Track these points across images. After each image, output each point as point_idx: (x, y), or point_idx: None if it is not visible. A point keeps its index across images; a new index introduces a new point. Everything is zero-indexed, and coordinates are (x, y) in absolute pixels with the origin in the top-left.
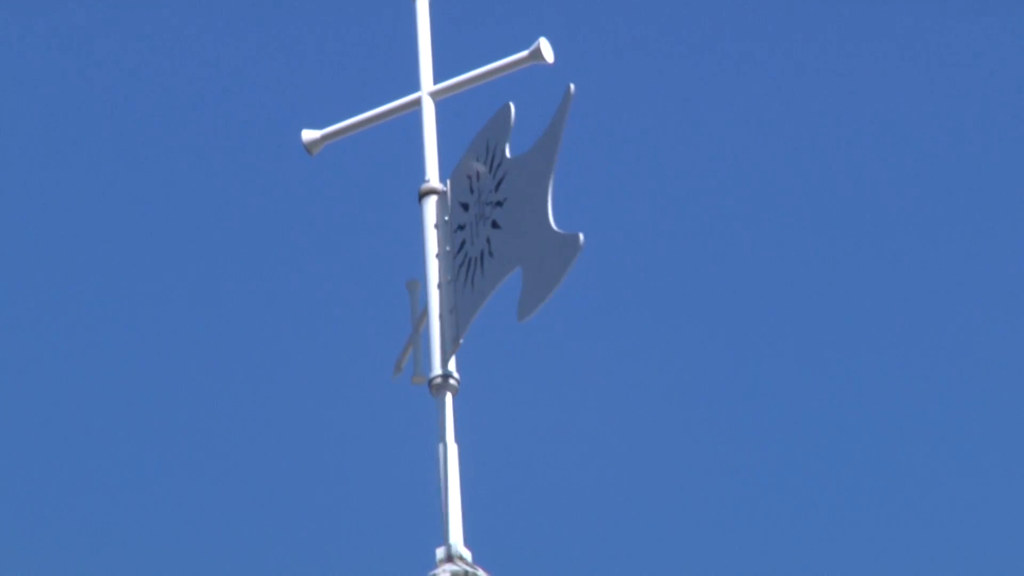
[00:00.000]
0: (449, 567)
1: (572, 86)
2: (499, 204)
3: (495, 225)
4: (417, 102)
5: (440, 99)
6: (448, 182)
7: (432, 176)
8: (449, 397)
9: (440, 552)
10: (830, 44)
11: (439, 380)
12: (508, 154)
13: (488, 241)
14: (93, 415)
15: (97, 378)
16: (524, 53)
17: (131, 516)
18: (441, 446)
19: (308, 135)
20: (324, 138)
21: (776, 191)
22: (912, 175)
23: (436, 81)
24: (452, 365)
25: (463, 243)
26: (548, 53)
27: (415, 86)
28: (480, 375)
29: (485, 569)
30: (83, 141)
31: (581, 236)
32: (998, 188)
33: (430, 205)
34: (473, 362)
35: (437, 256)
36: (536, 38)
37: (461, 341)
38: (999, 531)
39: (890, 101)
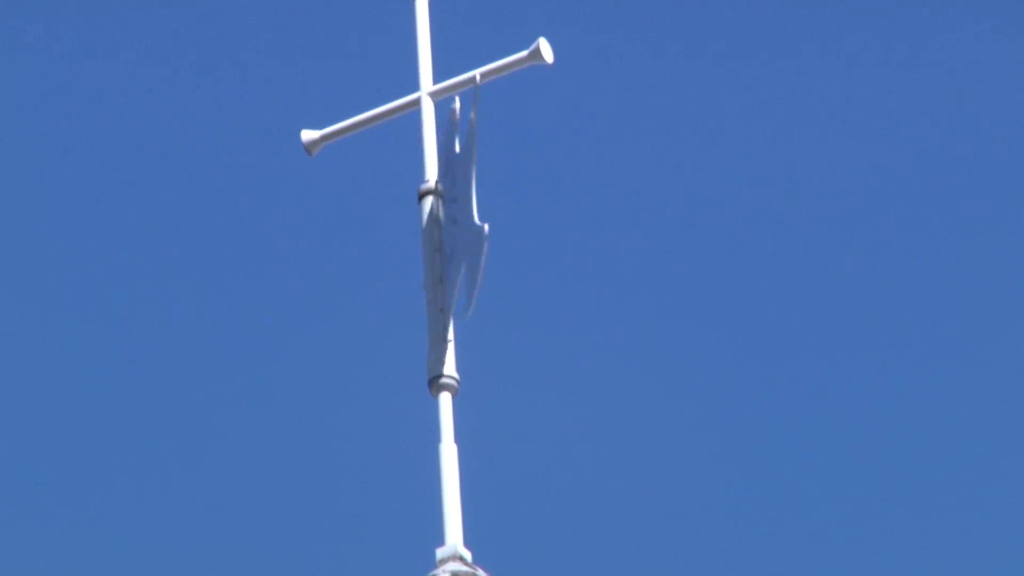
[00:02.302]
0: (449, 567)
1: (478, 76)
2: (454, 200)
3: (452, 221)
4: (416, 102)
5: (440, 99)
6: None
7: (431, 176)
8: (449, 397)
9: (440, 552)
10: (831, 44)
11: (439, 380)
12: (457, 149)
13: (453, 238)
14: (93, 415)
15: (98, 378)
16: (524, 53)
17: (131, 516)
18: (441, 446)
19: (307, 135)
20: (323, 138)
21: (776, 191)
22: (912, 175)
23: (436, 81)
24: (452, 365)
25: (450, 238)
26: (548, 53)
27: (415, 86)
28: (480, 375)
29: (485, 569)
30: (83, 141)
31: (486, 227)
32: (998, 188)
33: (429, 206)
34: (473, 362)
35: (436, 255)
36: (536, 38)
37: (450, 339)
38: (999, 531)
39: (887, 100)
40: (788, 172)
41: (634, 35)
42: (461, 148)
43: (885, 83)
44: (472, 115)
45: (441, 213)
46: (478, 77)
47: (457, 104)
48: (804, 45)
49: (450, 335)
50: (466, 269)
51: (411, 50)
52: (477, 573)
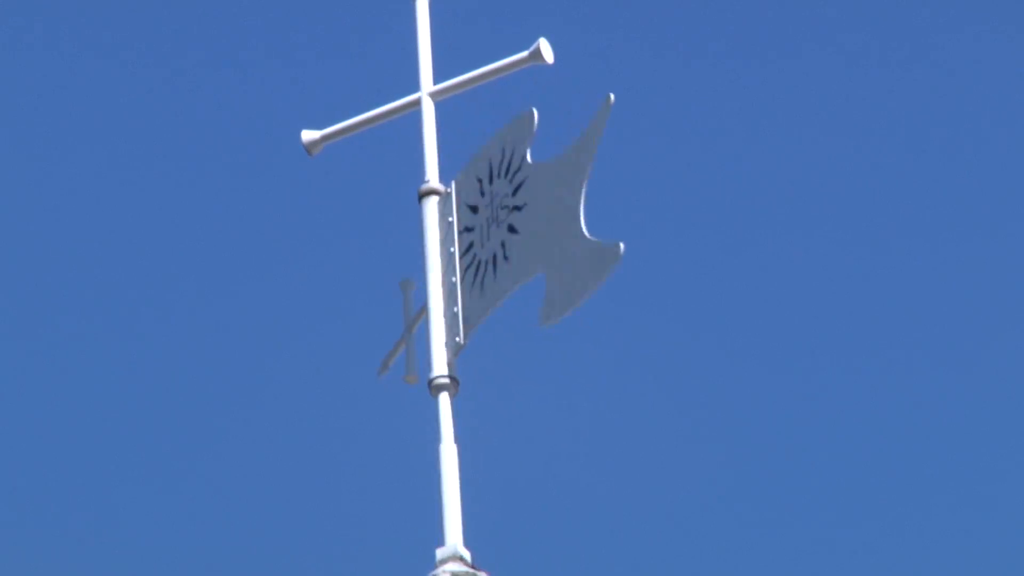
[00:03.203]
0: (449, 567)
1: (612, 96)
2: (517, 209)
3: (512, 229)
4: (417, 102)
5: (440, 99)
6: (453, 184)
7: (432, 176)
8: (449, 397)
9: (440, 552)
10: (831, 44)
11: (439, 380)
12: (529, 159)
13: (503, 245)
14: (94, 415)
15: (98, 378)
16: (524, 53)
17: (131, 516)
18: (441, 446)
19: (308, 135)
20: (324, 138)
21: (776, 191)
22: (912, 175)
23: (436, 81)
24: (452, 365)
25: (471, 245)
26: (548, 53)
27: (415, 86)
28: (480, 375)
29: (485, 569)
30: (83, 141)
31: (622, 245)
32: (998, 188)
33: (430, 206)
34: (473, 362)
35: (442, 257)
36: (536, 38)
37: (466, 343)
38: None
39: (887, 100)
40: (788, 172)
41: (634, 35)
42: (562, 159)
43: (885, 83)
44: (599, 126)
45: (456, 215)
46: (612, 97)
47: (536, 114)
48: (804, 45)
49: (462, 339)
50: (561, 282)
51: (411, 50)
52: (477, 573)
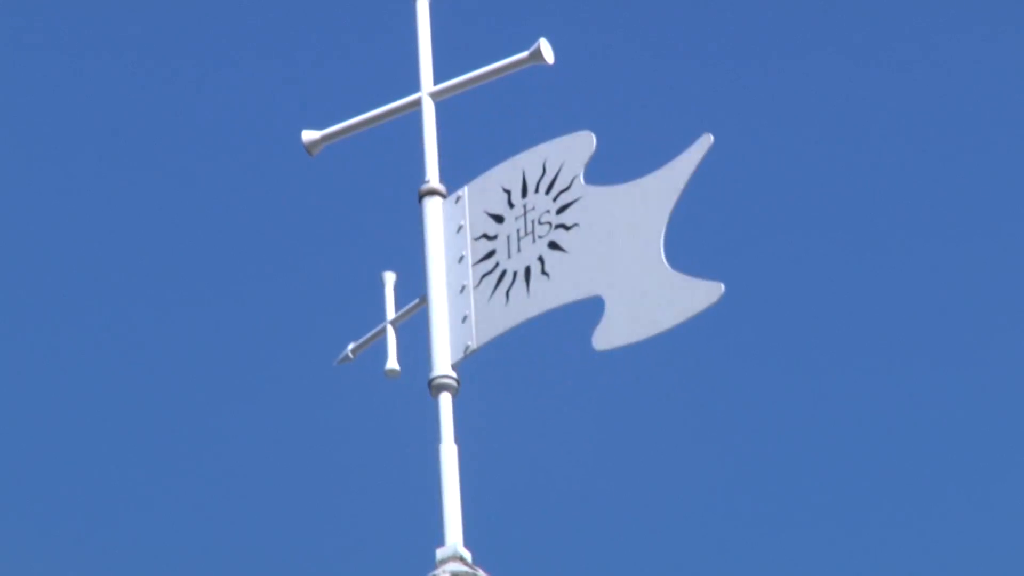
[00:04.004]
0: (449, 567)
1: (711, 137)
2: (564, 227)
3: (555, 247)
4: (417, 102)
5: (440, 99)
6: (466, 189)
7: (432, 177)
8: (449, 397)
9: (440, 552)
10: (831, 44)
11: (441, 380)
12: (583, 181)
13: (541, 260)
14: (94, 415)
15: (99, 378)
16: (524, 54)
17: (131, 516)
18: (441, 447)
19: (308, 136)
20: (324, 139)
21: (776, 191)
22: (912, 175)
23: (436, 82)
24: (452, 366)
25: (491, 253)
26: (548, 54)
27: (415, 86)
28: (480, 375)
29: (485, 569)
30: (83, 141)
31: (723, 286)
32: (998, 188)
33: (430, 206)
34: (473, 362)
35: (447, 259)
36: (536, 39)
37: (479, 348)
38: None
39: (887, 100)
40: (788, 172)
41: (634, 35)
42: (636, 187)
43: (885, 83)
44: (690, 163)
45: (468, 220)
46: (711, 139)
47: (595, 139)
48: (804, 45)
49: (475, 344)
50: (629, 309)
51: (412, 50)
52: (477, 573)
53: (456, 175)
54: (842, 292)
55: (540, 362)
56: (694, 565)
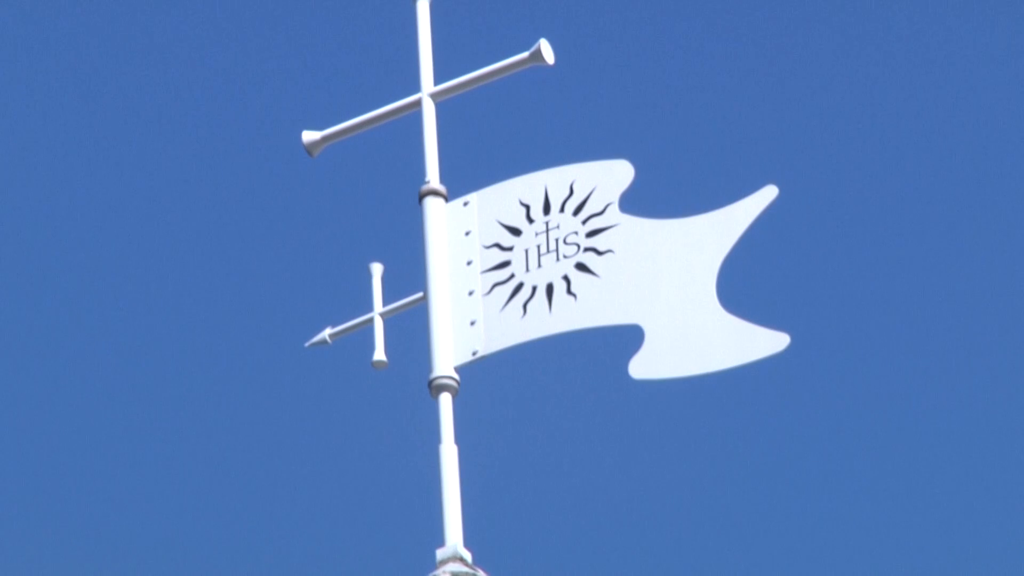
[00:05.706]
0: (449, 568)
1: (776, 189)
2: (595, 251)
3: (584, 268)
4: (417, 103)
5: (440, 100)
6: (476, 196)
7: (433, 177)
8: (449, 398)
9: (440, 553)
10: (832, 44)
11: (441, 381)
12: (618, 209)
13: (567, 280)
14: (94, 415)
15: (99, 378)
16: (525, 54)
17: (130, 517)
18: (441, 447)
19: (309, 136)
20: (324, 139)
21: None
22: (912, 175)
23: (437, 82)
24: (452, 366)
25: (505, 264)
26: (548, 54)
27: (415, 87)
28: (480, 376)
29: (485, 569)
30: (84, 141)
31: (788, 338)
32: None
33: (430, 206)
34: (473, 363)
35: (451, 263)
36: (537, 39)
37: (486, 355)
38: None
39: (887, 100)
40: (788, 172)
41: (634, 35)
42: (686, 225)
43: (885, 83)
44: (750, 211)
45: (478, 227)
46: (775, 191)
47: (633, 169)
48: (805, 45)
49: (483, 350)
50: (674, 343)
51: (412, 50)
52: (477, 574)
53: (456, 175)
54: (841, 292)
55: (540, 362)
56: (694, 565)
